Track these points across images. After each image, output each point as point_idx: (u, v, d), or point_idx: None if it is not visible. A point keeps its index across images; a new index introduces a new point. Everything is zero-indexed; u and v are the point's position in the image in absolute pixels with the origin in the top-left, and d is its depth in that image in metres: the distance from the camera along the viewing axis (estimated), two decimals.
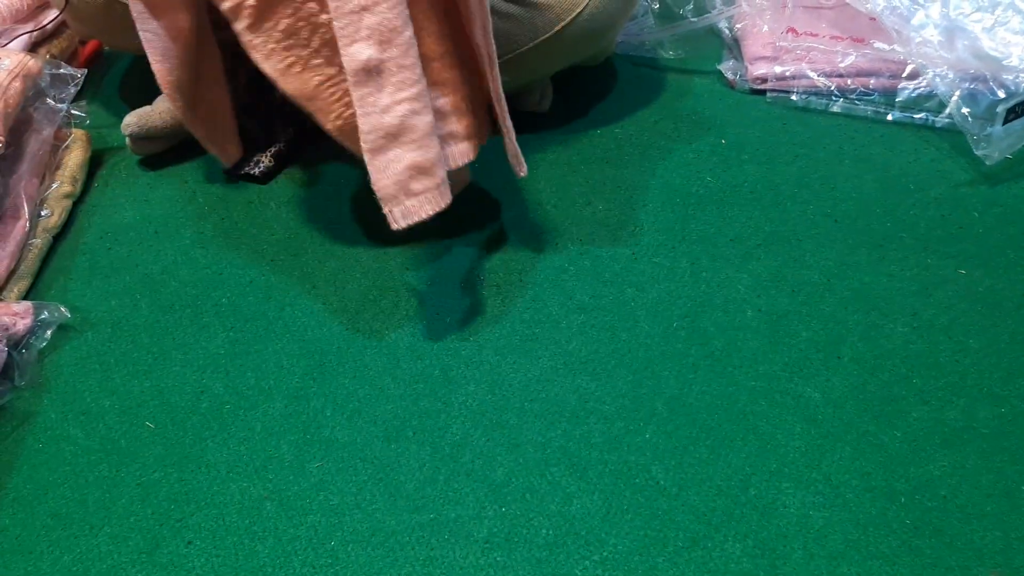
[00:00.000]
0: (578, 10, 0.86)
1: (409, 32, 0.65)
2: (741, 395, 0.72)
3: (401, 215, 0.69)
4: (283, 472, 0.68)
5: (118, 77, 1.10)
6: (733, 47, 1.07)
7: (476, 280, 0.82)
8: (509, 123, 0.74)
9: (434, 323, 0.78)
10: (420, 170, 0.68)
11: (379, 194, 0.68)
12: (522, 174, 0.77)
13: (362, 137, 0.67)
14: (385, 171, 0.67)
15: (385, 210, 0.69)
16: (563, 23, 0.86)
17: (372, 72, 0.65)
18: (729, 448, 0.68)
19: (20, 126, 0.84)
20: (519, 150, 0.76)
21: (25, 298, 0.81)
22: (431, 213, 0.69)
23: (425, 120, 0.67)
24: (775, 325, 0.77)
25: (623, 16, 0.91)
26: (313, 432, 0.70)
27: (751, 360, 0.74)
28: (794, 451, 0.68)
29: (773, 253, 0.84)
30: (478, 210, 0.90)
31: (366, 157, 0.67)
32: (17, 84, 0.83)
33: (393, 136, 0.67)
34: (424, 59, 0.68)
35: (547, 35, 0.87)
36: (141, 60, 1.04)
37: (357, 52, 0.64)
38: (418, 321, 0.79)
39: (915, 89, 0.97)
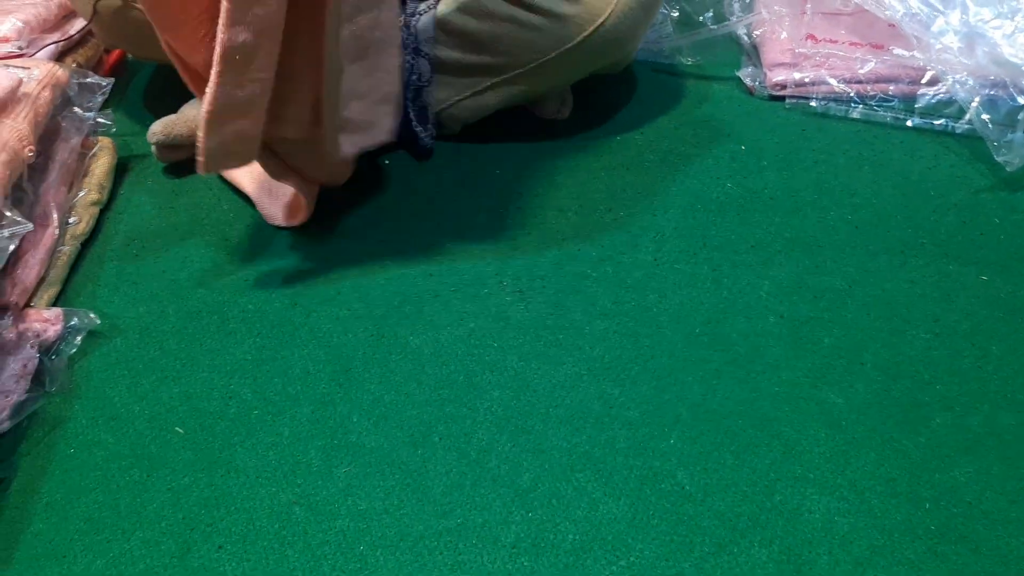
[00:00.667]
0: (600, 20, 0.87)
1: (281, 24, 0.71)
2: (764, 401, 0.72)
3: (210, 166, 0.75)
4: (311, 477, 0.68)
5: (141, 85, 1.11)
6: (752, 53, 1.07)
7: (499, 286, 0.83)
8: (331, 123, 0.79)
9: (457, 329, 0.79)
10: (243, 137, 0.75)
11: (201, 146, 0.73)
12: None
13: (208, 101, 0.71)
14: (217, 133, 0.73)
15: (199, 158, 0.74)
16: (586, 33, 0.87)
17: (241, 52, 0.69)
18: (753, 454, 0.69)
19: (49, 135, 0.85)
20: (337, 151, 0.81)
21: (55, 305, 0.82)
22: (234, 167, 0.81)
23: (265, 99, 0.74)
24: (797, 331, 0.78)
25: (644, 25, 0.92)
26: (340, 437, 0.71)
27: (774, 366, 0.75)
28: (818, 457, 0.68)
29: (794, 259, 0.85)
30: (500, 216, 0.90)
31: (204, 117, 0.72)
32: (46, 94, 0.84)
33: (236, 109, 0.72)
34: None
35: (570, 45, 0.88)
36: (164, 68, 1.06)
37: (235, 34, 0.68)
38: (442, 327, 0.79)
39: (935, 95, 0.97)
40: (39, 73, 0.84)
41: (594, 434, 0.70)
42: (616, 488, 0.67)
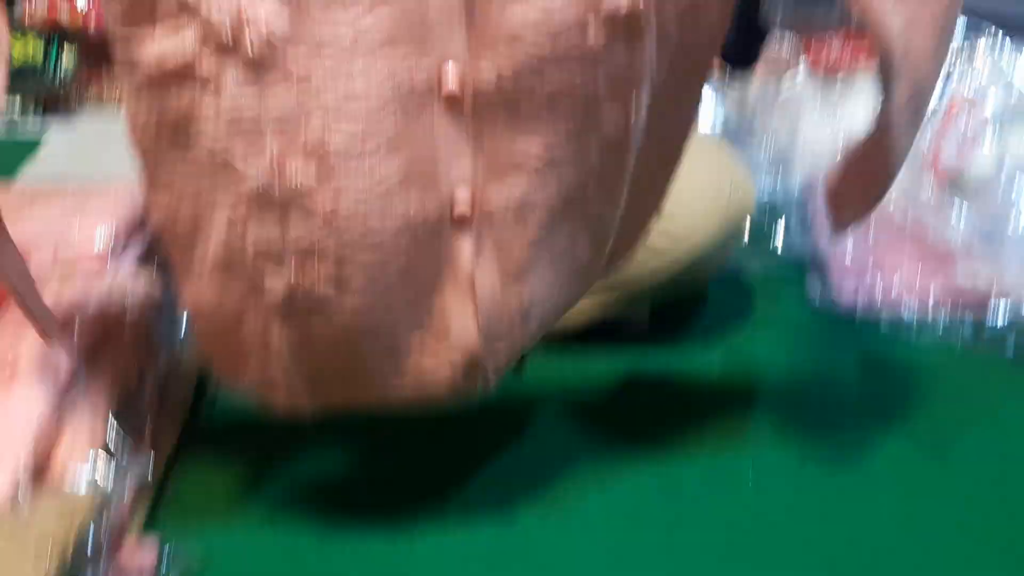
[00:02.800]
0: (697, 253, 0.91)
1: None
2: None
3: None
4: None
5: None
6: (816, 267, 1.11)
7: (582, 501, 0.81)
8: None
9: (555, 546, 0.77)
10: None
11: None
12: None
13: None
14: None
15: None
16: (680, 267, 0.91)
17: None
18: None
19: (143, 355, 0.85)
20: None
21: (144, 527, 0.79)
22: None
23: None
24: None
25: (731, 250, 0.96)
26: None
27: None
28: None
29: (873, 474, 0.84)
30: (592, 434, 0.90)
31: None
32: (147, 312, 0.83)
33: None
34: None
35: (663, 277, 0.92)
36: None
37: None
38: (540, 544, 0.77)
39: (1002, 317, 1.01)
40: (140, 292, 0.84)
41: None
42: None
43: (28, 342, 0.73)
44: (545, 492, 0.84)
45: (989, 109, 1.08)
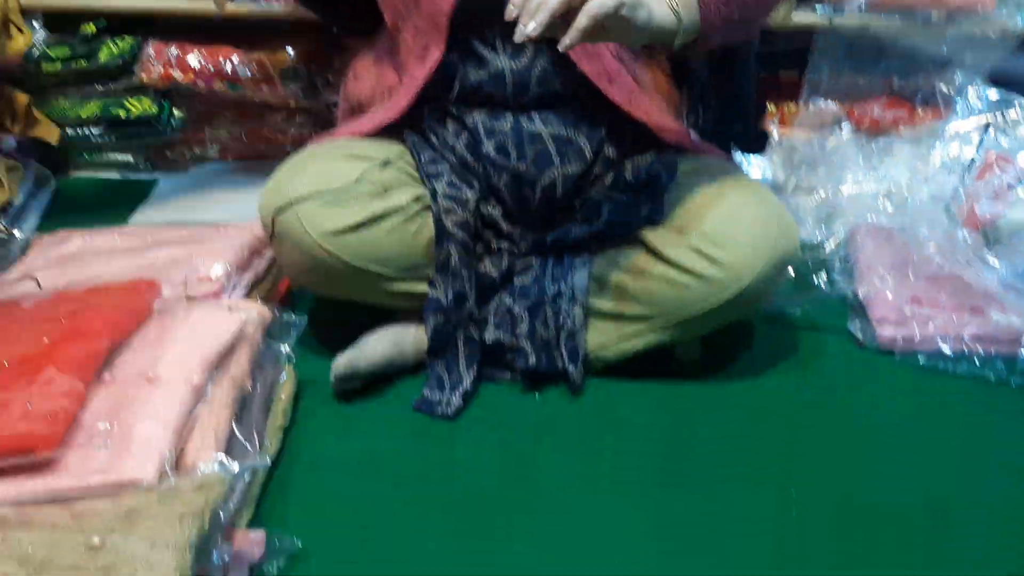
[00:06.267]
0: (744, 284, 0.99)
1: None
2: None
3: None
4: None
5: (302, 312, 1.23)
6: (858, 308, 1.19)
7: (654, 538, 0.90)
8: None
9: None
10: None
11: None
12: None
13: None
14: None
15: None
16: (729, 294, 0.99)
17: None
18: None
19: (254, 369, 0.96)
20: None
21: (250, 523, 0.89)
22: None
23: None
24: None
25: (777, 285, 1.04)
26: None
27: None
28: None
29: (931, 522, 0.91)
30: (647, 461, 0.99)
31: None
32: (258, 333, 0.95)
33: None
34: None
35: (714, 304, 1.00)
36: (325, 299, 1.18)
37: None
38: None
39: None
40: (254, 315, 0.96)
41: None
42: None
43: (167, 356, 0.86)
44: (595, 513, 0.92)
45: (1022, 163, 1.16)
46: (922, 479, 0.96)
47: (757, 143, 1.25)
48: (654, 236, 1.02)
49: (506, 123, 1.06)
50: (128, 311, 0.91)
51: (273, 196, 1.02)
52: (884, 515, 0.91)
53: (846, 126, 1.44)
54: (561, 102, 1.06)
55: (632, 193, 1.05)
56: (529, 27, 0.83)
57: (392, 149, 1.08)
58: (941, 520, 0.91)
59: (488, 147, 1.06)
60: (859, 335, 1.16)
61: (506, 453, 1.00)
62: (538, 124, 1.06)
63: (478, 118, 1.07)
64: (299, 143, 1.32)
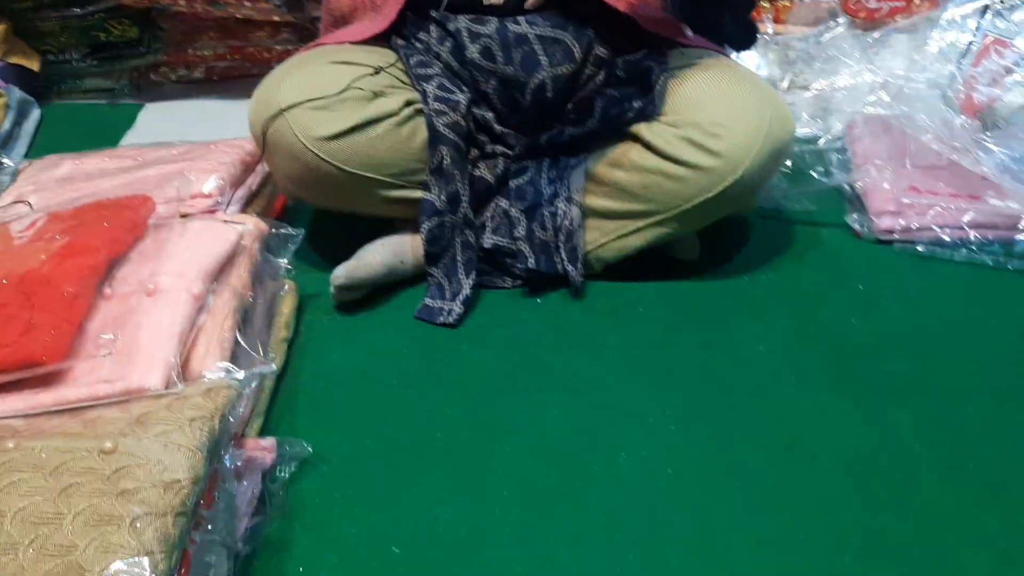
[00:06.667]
0: (740, 172, 0.98)
1: None
2: (923, 524, 0.80)
3: None
4: None
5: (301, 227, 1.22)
6: (855, 202, 1.19)
7: (663, 416, 0.91)
8: None
9: (632, 457, 0.87)
10: None
11: None
12: None
13: None
14: None
15: None
16: (726, 183, 0.98)
17: None
18: (923, 573, 0.76)
19: (254, 281, 0.96)
20: None
21: (260, 434, 0.90)
22: None
23: None
24: (943, 460, 0.86)
25: (773, 175, 1.04)
26: (543, 558, 0.78)
27: (929, 494, 0.83)
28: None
29: (928, 393, 0.93)
30: (651, 350, 1.00)
31: None
32: (256, 245, 0.95)
33: None
34: None
35: (711, 194, 0.99)
36: (320, 212, 1.17)
37: None
38: (617, 456, 0.87)
39: None
40: (251, 227, 0.95)
41: (775, 554, 0.78)
42: None
43: (165, 268, 0.85)
44: (603, 404, 0.94)
45: (1021, 47, 1.14)
46: (923, 361, 0.97)
47: (747, 38, 1.22)
48: (648, 130, 1.01)
49: (490, 26, 1.04)
50: (124, 226, 0.90)
51: (262, 105, 1.00)
52: (886, 398, 0.93)
53: (841, 19, 1.41)
54: (550, 3, 1.04)
55: (624, 87, 1.03)
56: None
57: (381, 55, 1.07)
58: (942, 399, 0.92)
59: (473, 52, 1.04)
60: (857, 227, 1.15)
61: (511, 352, 1.00)
62: (524, 26, 1.04)
63: (461, 23, 1.05)
64: (284, 60, 1.30)
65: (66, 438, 0.68)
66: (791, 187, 1.20)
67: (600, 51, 1.06)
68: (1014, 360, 0.97)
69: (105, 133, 1.46)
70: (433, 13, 1.06)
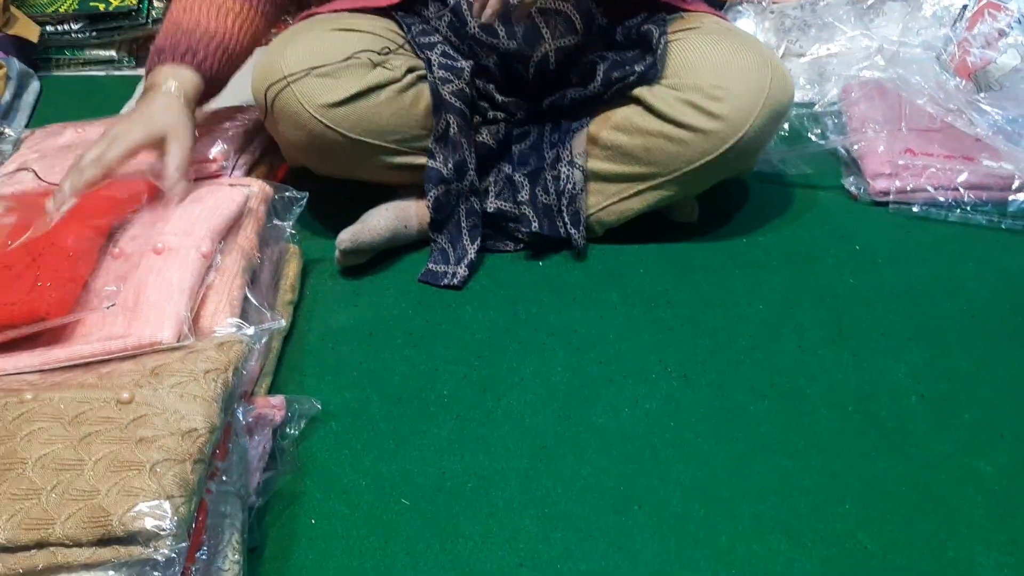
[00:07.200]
0: (740, 134, 0.99)
1: None
2: (921, 470, 0.82)
3: None
4: (531, 542, 0.77)
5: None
6: (851, 164, 1.20)
7: (665, 371, 0.93)
8: None
9: (635, 410, 0.89)
10: None
11: None
12: None
13: None
14: None
15: None
16: (727, 146, 1.00)
17: None
18: (921, 516, 0.78)
19: (260, 244, 0.97)
20: None
21: (269, 393, 0.92)
22: None
23: None
24: (938, 408, 0.88)
25: (773, 137, 1.05)
26: (550, 507, 0.80)
27: (923, 440, 0.85)
28: (979, 518, 0.78)
29: (923, 346, 0.95)
30: (652, 308, 1.02)
31: None
32: (262, 207, 0.96)
33: None
34: None
35: (712, 156, 1.00)
36: (325, 179, 1.18)
37: None
38: (620, 408, 0.89)
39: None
40: (256, 190, 0.96)
41: (777, 501, 0.80)
42: (806, 548, 0.76)
43: (173, 227, 0.86)
44: (606, 357, 0.96)
45: (1015, 9, 1.15)
46: (917, 316, 1.00)
47: None
48: (649, 93, 1.02)
49: None
50: (128, 189, 0.91)
51: (266, 73, 1.01)
52: (882, 351, 0.95)
53: None
54: None
55: (625, 51, 1.04)
56: None
57: (382, 23, 1.07)
58: (936, 351, 0.95)
59: (473, 27, 1.05)
60: (853, 189, 1.17)
61: (514, 311, 1.02)
62: None
63: None
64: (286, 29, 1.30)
65: (83, 389, 0.70)
66: (788, 150, 1.21)
67: (601, 20, 1.07)
68: (1007, 314, 0.99)
69: (105, 104, 1.46)
70: None
